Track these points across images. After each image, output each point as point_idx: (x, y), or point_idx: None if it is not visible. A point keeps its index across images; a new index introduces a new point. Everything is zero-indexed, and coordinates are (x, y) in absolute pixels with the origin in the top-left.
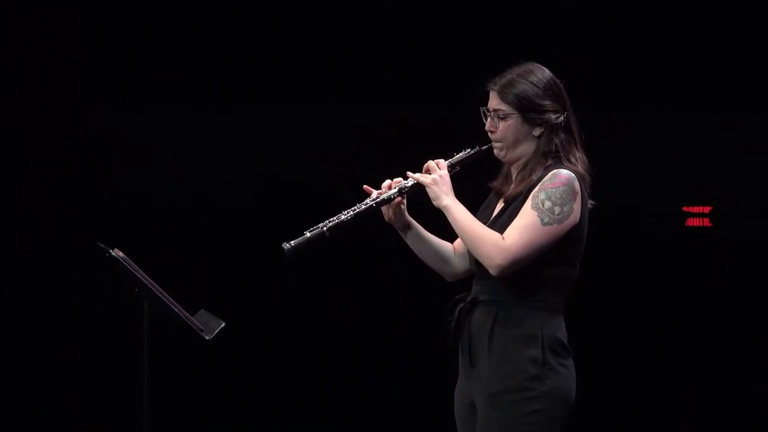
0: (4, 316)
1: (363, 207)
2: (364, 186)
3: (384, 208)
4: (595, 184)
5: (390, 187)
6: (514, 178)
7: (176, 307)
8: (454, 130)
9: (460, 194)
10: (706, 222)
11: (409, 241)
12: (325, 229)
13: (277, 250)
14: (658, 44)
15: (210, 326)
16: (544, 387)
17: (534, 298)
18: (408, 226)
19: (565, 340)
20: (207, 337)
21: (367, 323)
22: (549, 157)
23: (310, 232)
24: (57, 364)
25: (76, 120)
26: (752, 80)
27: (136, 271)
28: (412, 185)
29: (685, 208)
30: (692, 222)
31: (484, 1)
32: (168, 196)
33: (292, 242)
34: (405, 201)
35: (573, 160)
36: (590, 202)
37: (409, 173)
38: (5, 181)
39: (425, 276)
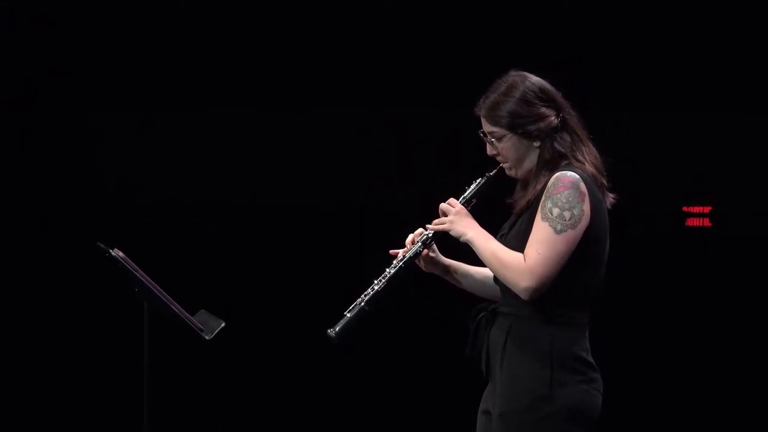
0: (4, 316)
1: (393, 271)
2: (390, 251)
3: (418, 262)
4: (611, 192)
5: (413, 242)
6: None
7: (176, 307)
8: (453, 130)
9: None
10: (706, 222)
11: (455, 282)
12: (363, 304)
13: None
14: (659, 44)
15: (210, 326)
16: (553, 407)
17: (549, 312)
18: (448, 270)
19: (585, 354)
20: (207, 337)
21: (369, 323)
22: (556, 162)
23: (349, 312)
24: (57, 364)
25: (76, 120)
26: (752, 80)
27: (136, 271)
28: (434, 234)
29: (685, 208)
30: (692, 222)
31: (484, 0)
32: (168, 196)
33: (336, 327)
34: (435, 248)
35: (580, 158)
36: (610, 197)
37: (428, 225)
38: (5, 181)
39: (426, 277)
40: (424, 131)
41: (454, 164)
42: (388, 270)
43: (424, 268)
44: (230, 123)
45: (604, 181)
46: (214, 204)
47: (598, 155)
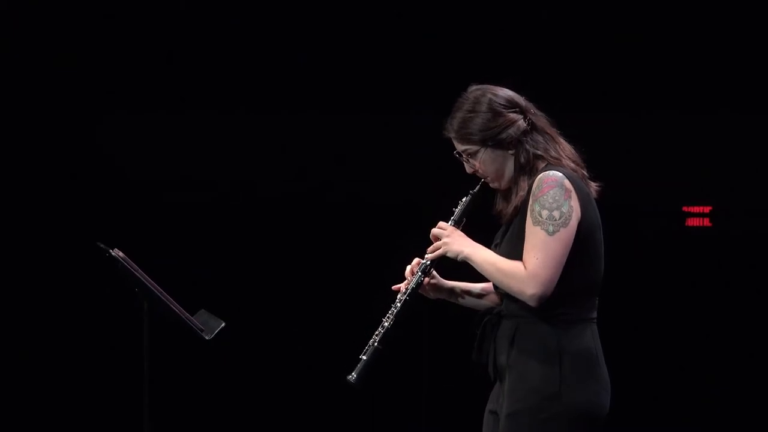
0: (4, 316)
1: (399, 305)
2: (393, 287)
3: (422, 292)
4: (594, 182)
5: (413, 273)
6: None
7: (176, 307)
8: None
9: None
10: (706, 222)
11: (463, 303)
12: (376, 344)
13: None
14: (658, 44)
15: (210, 326)
16: (561, 407)
17: (553, 311)
18: (453, 292)
19: (593, 351)
20: (207, 337)
21: (367, 323)
22: (533, 165)
23: (364, 354)
24: (57, 363)
25: (78, 120)
26: (752, 80)
27: (136, 271)
28: (432, 261)
29: (685, 208)
30: (692, 222)
31: (481, 3)
32: (168, 196)
33: (354, 373)
34: (435, 274)
35: (555, 155)
36: (594, 186)
37: (426, 255)
38: (6, 182)
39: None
40: (425, 132)
41: (454, 165)
42: (393, 305)
43: (428, 296)
44: (231, 125)
45: (585, 173)
46: (215, 204)
47: (572, 149)
